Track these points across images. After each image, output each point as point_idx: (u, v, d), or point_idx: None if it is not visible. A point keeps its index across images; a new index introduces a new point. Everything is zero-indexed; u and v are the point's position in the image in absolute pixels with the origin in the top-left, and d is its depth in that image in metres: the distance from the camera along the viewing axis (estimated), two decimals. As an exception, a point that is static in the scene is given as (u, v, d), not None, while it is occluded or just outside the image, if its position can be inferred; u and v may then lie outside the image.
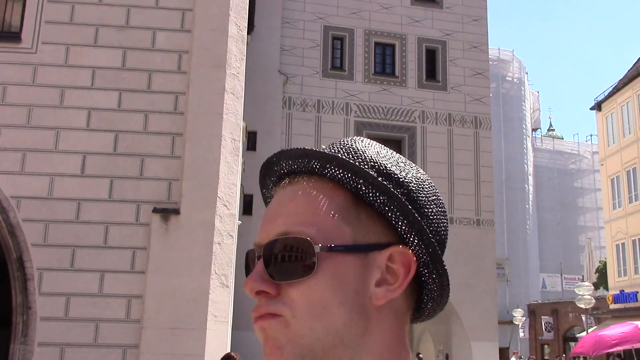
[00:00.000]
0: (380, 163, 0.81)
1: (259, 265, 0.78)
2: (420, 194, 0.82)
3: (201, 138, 11.18)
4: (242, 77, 11.90)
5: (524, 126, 47.28)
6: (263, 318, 0.78)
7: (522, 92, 47.95)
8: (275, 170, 0.85)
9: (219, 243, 10.76)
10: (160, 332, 10.45)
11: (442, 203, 0.85)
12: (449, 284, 0.82)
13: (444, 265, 0.81)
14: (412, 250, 0.79)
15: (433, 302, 0.84)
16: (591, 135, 51.60)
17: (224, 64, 11.47)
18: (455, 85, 23.40)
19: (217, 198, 10.83)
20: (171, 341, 10.37)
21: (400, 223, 0.79)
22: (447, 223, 0.86)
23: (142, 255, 10.80)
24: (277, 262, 0.77)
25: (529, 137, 48.67)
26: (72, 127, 11.13)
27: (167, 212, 10.87)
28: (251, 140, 20.98)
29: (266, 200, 0.88)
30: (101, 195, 10.98)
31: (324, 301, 0.76)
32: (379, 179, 0.78)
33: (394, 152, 0.86)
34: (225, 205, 10.99)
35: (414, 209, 0.79)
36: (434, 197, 0.84)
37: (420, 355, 25.02)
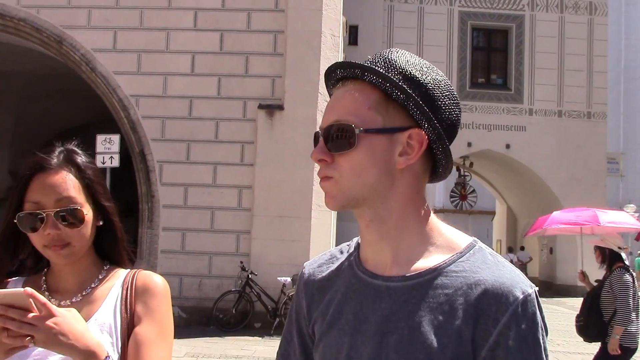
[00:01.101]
0: (406, 70, 1.12)
1: (321, 142, 1.14)
2: (435, 91, 1.12)
3: (301, 35, 11.41)
4: (341, -29, 11.84)
5: (648, 10, 43.41)
6: (323, 180, 1.13)
7: (649, -29, 43.67)
8: (333, 76, 1.18)
9: (321, 137, 11.19)
10: (269, 219, 11.26)
11: (455, 97, 1.16)
12: (451, 155, 1.14)
13: (447, 142, 1.12)
14: (425, 132, 1.11)
15: (442, 167, 1.16)
16: None
17: (323, -42, 11.43)
18: (569, -32, 21.81)
19: (319, 94, 11.17)
20: (279, 228, 11.17)
21: (415, 113, 1.10)
22: (458, 112, 1.16)
23: (250, 149, 11.50)
24: (332, 139, 1.12)
25: (653, 21, 44.75)
26: (180, 28, 11.68)
27: (271, 108, 11.38)
28: (352, 35, 20.82)
29: (330, 96, 1.22)
30: (210, 92, 11.63)
31: (362, 166, 1.10)
32: (401, 82, 1.09)
33: (421, 60, 1.16)
34: (327, 101, 11.30)
35: (427, 103, 1.10)
36: (447, 93, 1.14)
37: (523, 249, 25.14)
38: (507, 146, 21.31)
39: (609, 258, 6.08)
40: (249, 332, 10.67)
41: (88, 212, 1.48)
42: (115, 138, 10.91)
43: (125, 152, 11.31)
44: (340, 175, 1.11)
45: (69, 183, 1.46)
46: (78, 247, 1.47)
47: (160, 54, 11.66)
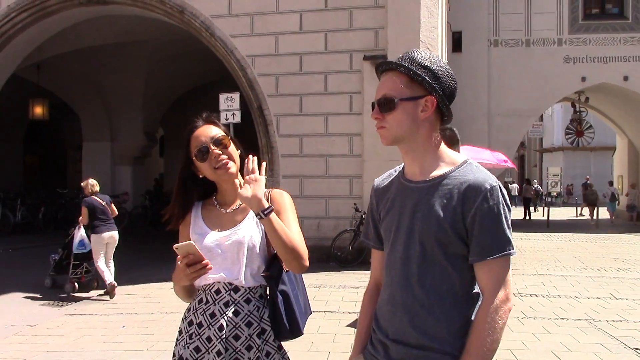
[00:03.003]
0: (422, 62, 1.87)
1: (376, 107, 1.91)
2: (439, 73, 1.87)
3: (401, -15, 11.82)
4: None
5: None
6: (379, 129, 1.91)
7: None
8: (381, 69, 1.95)
9: (425, 83, 11.66)
10: (378, 163, 11.94)
11: (452, 75, 1.90)
12: (451, 110, 1.89)
13: (447, 102, 1.87)
14: (435, 97, 1.85)
15: (447, 116, 1.92)
16: None
17: None
18: None
19: (420, 42, 11.61)
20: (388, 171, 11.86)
21: (427, 87, 1.85)
22: (455, 84, 1.90)
23: (357, 99, 12.22)
24: (382, 105, 1.88)
25: None
26: (288, -11, 12.47)
27: (376, 58, 11.97)
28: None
29: (379, 80, 1.98)
30: (318, 48, 12.41)
31: (400, 119, 1.87)
32: (419, 71, 1.84)
33: (433, 54, 1.90)
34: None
35: (434, 81, 1.85)
36: (447, 73, 1.88)
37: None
38: (625, 78, 20.54)
39: None
40: (364, 267, 11.55)
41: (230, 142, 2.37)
42: (236, 96, 12.02)
43: (244, 108, 12.41)
44: (389, 125, 1.90)
45: (214, 128, 2.39)
46: (233, 162, 2.33)
47: (271, 15, 12.55)
